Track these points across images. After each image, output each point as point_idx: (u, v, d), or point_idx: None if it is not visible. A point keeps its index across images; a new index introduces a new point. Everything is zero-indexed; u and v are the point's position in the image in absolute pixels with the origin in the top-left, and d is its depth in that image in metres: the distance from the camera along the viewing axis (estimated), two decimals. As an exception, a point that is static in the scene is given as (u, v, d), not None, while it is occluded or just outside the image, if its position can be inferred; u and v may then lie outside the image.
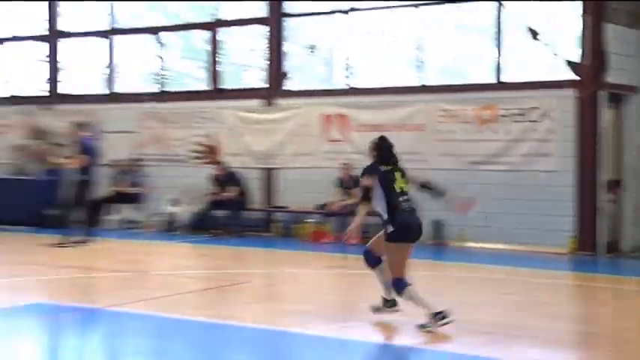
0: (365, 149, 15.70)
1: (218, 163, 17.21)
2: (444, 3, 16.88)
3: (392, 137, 15.36)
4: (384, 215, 8.53)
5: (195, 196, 17.52)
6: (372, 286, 10.77)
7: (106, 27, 20.28)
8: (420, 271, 13.31)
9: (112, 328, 9.06)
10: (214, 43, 18.68)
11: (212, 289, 11.65)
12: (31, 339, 8.76)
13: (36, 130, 20.08)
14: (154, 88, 19.76)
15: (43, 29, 20.97)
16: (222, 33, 18.91)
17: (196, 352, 7.88)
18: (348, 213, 15.22)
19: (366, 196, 8.63)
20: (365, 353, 7.88)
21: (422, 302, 8.40)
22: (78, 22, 20.90)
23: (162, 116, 18.68)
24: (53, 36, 20.71)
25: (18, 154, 20.12)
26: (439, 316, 8.22)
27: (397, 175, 8.71)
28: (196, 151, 17.46)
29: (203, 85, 19.34)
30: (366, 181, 8.67)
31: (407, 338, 8.15)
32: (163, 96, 19.23)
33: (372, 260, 8.92)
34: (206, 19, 19.18)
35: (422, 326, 8.21)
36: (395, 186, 8.59)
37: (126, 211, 18.46)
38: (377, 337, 8.51)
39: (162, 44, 19.59)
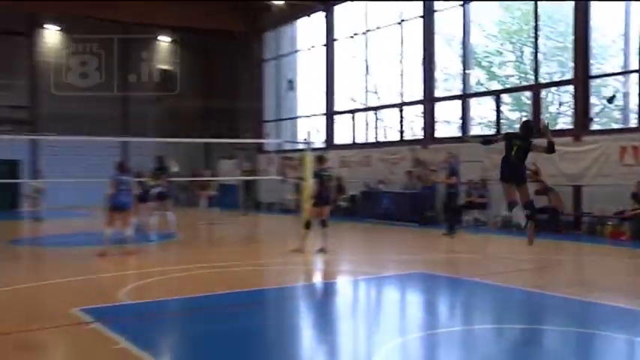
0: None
1: (540, 181, 17.03)
2: None
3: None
4: None
5: (524, 204, 17.47)
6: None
7: (460, 92, 20.58)
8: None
9: (467, 291, 9.55)
10: (536, 99, 18.42)
11: (534, 269, 11.68)
12: (416, 294, 9.63)
13: (418, 160, 20.75)
14: (492, 132, 19.68)
15: (420, 96, 21.57)
16: (542, 92, 18.54)
17: (521, 311, 8.22)
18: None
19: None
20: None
21: (520, 216, 9.12)
22: (443, 90, 21.47)
23: (502, 150, 18.56)
24: (428, 100, 21.27)
25: (407, 176, 20.83)
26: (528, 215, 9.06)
27: (516, 142, 9.32)
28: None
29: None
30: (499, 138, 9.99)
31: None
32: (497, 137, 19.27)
33: (511, 204, 9.44)
34: (529, 82, 19.03)
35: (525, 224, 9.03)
36: (512, 147, 9.30)
37: (476, 214, 18.67)
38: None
39: (499, 102, 19.56)
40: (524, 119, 10.58)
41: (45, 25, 29.06)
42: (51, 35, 29.41)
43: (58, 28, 29.31)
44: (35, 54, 28.95)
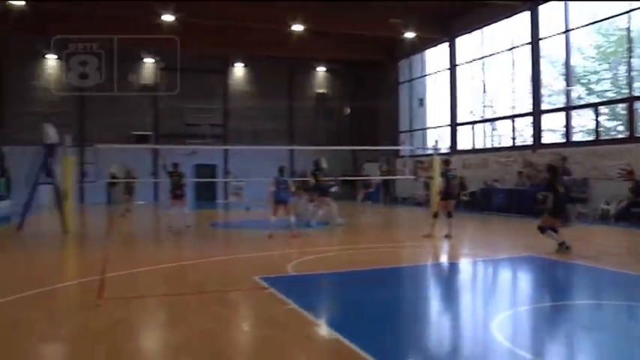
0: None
1: (634, 179, 15.69)
2: None
3: None
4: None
5: (620, 198, 16.08)
6: None
7: (564, 105, 19.36)
8: None
9: (569, 271, 9.01)
10: (631, 110, 16.94)
11: (625, 254, 10.82)
12: (525, 273, 9.22)
13: (527, 163, 19.78)
14: (593, 138, 18.45)
15: (529, 109, 20.62)
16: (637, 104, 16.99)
17: (614, 289, 7.64)
18: None
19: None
20: None
21: (554, 237, 10.04)
22: (548, 103, 20.23)
23: (600, 153, 17.35)
24: (536, 112, 20.29)
25: (518, 176, 20.05)
26: (563, 245, 9.78)
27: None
28: (620, 173, 16.14)
29: (623, 135, 17.57)
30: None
31: None
32: (598, 142, 17.86)
33: (543, 230, 10.26)
34: (624, 96, 17.43)
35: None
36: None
37: (578, 208, 17.18)
38: None
39: (597, 113, 18.23)
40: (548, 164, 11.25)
41: (235, 64, 30.76)
42: (239, 71, 31.03)
43: (243, 65, 30.88)
44: (227, 86, 30.71)
